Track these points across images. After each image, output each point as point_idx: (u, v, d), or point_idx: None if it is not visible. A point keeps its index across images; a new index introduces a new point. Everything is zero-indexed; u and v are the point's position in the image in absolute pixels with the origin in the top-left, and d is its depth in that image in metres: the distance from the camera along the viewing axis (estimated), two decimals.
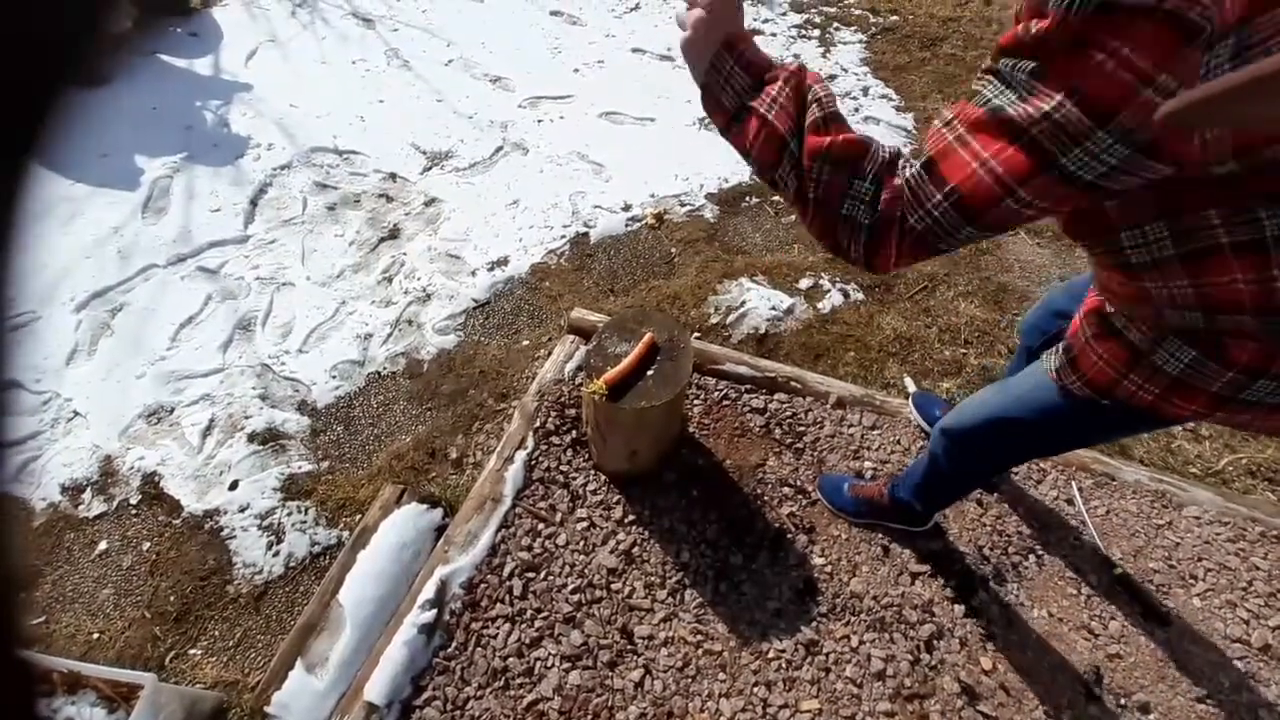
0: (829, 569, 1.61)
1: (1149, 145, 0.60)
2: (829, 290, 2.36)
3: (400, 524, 1.65)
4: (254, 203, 2.56)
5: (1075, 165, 0.62)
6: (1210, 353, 0.79)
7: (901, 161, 0.73)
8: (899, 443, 1.84)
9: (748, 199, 2.73)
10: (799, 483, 1.74)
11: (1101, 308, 0.96)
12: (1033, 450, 1.26)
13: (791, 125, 0.74)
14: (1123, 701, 1.45)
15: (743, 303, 2.28)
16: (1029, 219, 0.69)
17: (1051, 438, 1.13)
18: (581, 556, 1.60)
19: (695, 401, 1.89)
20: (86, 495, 1.82)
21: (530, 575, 1.56)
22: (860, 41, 3.57)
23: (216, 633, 1.63)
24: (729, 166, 2.83)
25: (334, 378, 2.10)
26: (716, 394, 1.91)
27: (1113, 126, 0.60)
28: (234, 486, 1.84)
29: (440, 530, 1.67)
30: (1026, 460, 1.54)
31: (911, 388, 2.07)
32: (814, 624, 1.52)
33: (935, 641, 1.51)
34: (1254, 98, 0.50)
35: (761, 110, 0.75)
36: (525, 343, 2.22)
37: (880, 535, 1.66)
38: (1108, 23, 0.57)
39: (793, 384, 1.93)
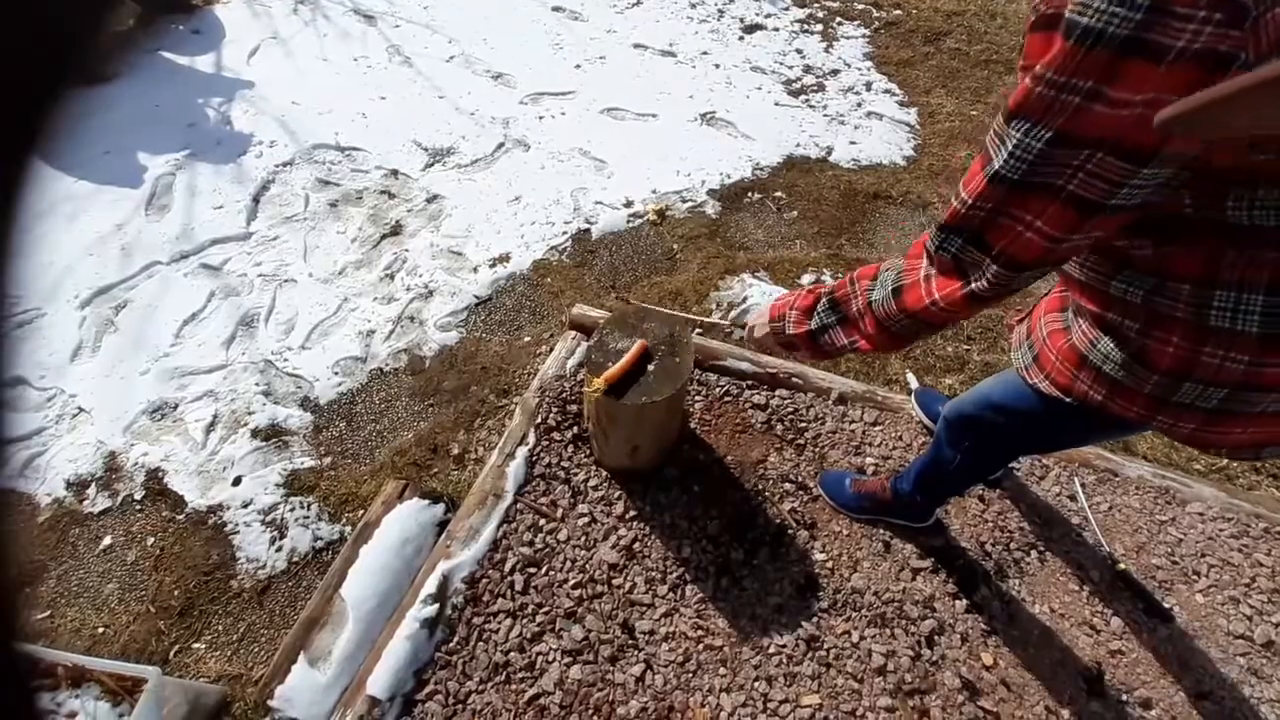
0: (830, 564, 1.61)
1: (1194, 159, 0.61)
2: None
3: (402, 519, 1.66)
4: (256, 200, 2.57)
5: (1122, 200, 0.64)
6: (1137, 356, 0.82)
7: (930, 260, 0.84)
8: (900, 439, 1.84)
9: (749, 195, 2.72)
10: (800, 478, 1.74)
11: (1060, 305, 0.96)
12: (1026, 442, 1.24)
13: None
14: (1124, 697, 1.45)
15: (744, 299, 2.28)
16: (1087, 245, 0.72)
17: (1040, 433, 1.12)
18: (583, 552, 1.60)
19: (696, 398, 1.89)
20: (91, 491, 1.84)
21: (532, 570, 1.57)
22: (863, 36, 3.55)
23: (220, 627, 1.64)
24: (730, 162, 2.82)
25: (336, 374, 2.10)
26: (718, 390, 1.91)
27: (1155, 163, 0.60)
28: (237, 482, 1.85)
29: (442, 525, 1.67)
30: (1023, 453, 1.52)
31: (914, 384, 2.07)
32: (815, 619, 1.52)
33: (936, 637, 1.51)
34: (1243, 104, 0.50)
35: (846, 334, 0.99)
36: (527, 339, 2.22)
37: (882, 531, 1.65)
38: (1131, 67, 0.55)
39: (794, 380, 1.93)
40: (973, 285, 0.78)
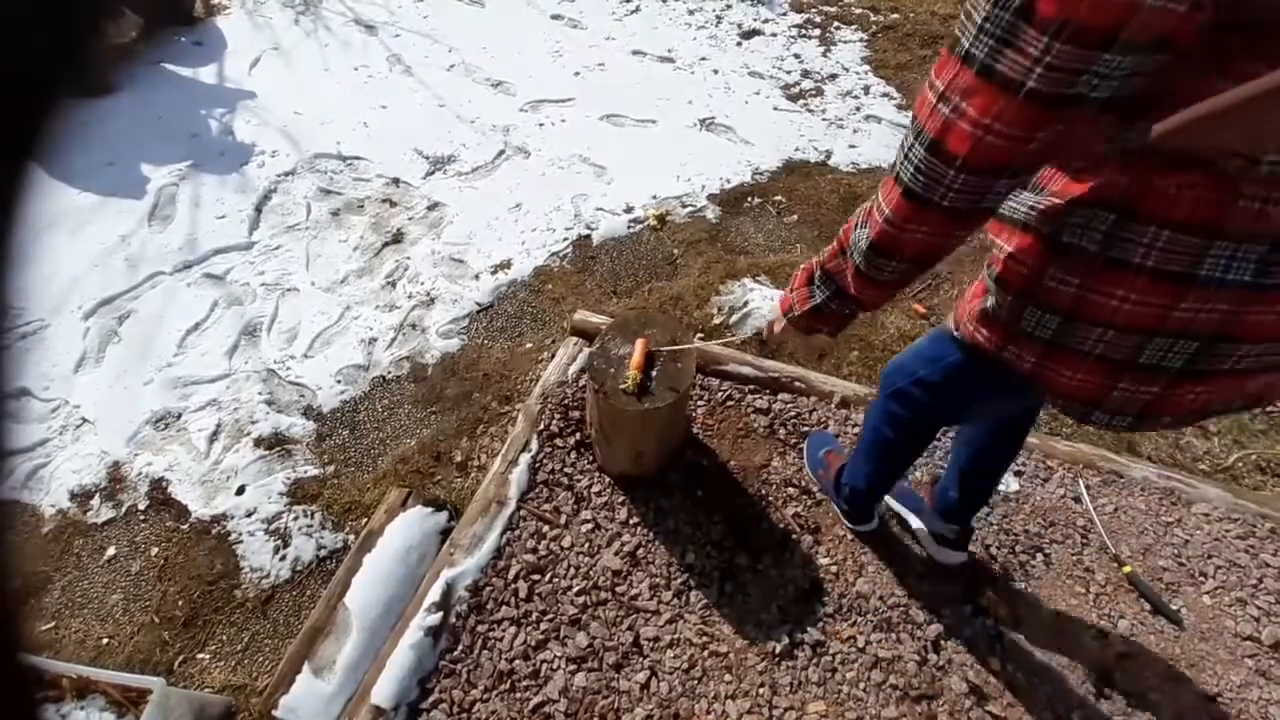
0: (834, 569, 1.60)
1: (1158, 43, 0.56)
2: None
3: (406, 527, 1.66)
4: (259, 209, 2.58)
5: (1086, 88, 0.60)
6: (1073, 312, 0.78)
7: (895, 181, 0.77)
8: None
9: (749, 199, 2.73)
10: (803, 483, 1.74)
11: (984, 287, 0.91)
12: (941, 410, 1.19)
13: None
14: (1132, 700, 1.44)
15: (746, 303, 2.28)
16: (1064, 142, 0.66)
17: (956, 393, 1.10)
18: (586, 558, 1.60)
19: (699, 402, 1.89)
20: (95, 501, 1.84)
21: (535, 577, 1.57)
22: (861, 40, 3.57)
23: (224, 637, 1.63)
24: (730, 167, 2.83)
25: (339, 382, 2.11)
26: (720, 395, 1.91)
27: (1116, 47, 0.56)
28: (241, 491, 1.85)
29: (445, 533, 1.67)
30: (955, 418, 1.35)
31: None
32: (820, 624, 1.52)
33: (942, 641, 1.50)
34: (1240, 116, 0.50)
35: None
36: (528, 345, 2.23)
37: (886, 535, 1.65)
38: None
39: (796, 384, 1.93)
40: (943, 203, 0.72)
